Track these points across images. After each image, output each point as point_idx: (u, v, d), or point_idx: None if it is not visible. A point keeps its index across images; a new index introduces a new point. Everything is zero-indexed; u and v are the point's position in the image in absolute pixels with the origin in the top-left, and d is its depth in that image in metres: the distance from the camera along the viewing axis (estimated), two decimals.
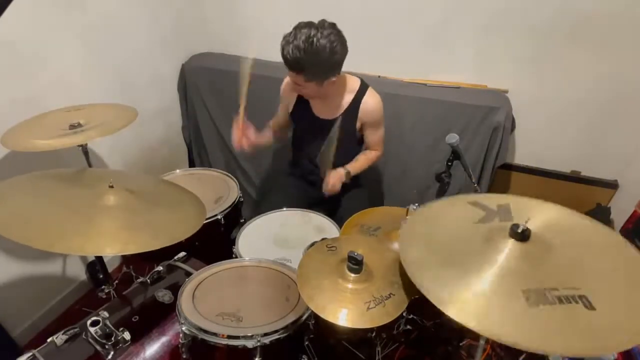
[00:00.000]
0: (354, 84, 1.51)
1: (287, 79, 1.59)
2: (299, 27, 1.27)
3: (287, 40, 1.27)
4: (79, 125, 1.31)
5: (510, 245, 0.80)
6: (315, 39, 1.23)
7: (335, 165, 1.65)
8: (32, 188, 1.08)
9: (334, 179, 1.47)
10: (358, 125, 1.53)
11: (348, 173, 1.53)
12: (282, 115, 1.68)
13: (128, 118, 1.37)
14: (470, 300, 0.73)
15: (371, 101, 1.49)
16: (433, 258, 0.84)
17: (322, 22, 1.27)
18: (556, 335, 0.67)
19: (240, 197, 1.63)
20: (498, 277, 0.76)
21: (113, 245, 0.93)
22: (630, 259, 0.80)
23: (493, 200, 0.96)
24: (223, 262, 1.25)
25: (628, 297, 0.74)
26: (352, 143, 1.62)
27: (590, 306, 0.70)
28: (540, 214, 0.87)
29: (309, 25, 1.26)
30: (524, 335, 0.67)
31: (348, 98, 1.50)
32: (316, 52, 1.24)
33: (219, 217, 1.49)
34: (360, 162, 1.60)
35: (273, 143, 1.73)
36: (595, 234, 0.87)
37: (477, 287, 0.75)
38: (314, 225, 1.51)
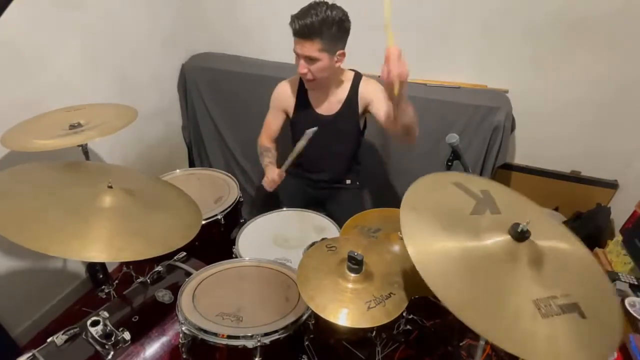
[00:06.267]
0: (349, 76, 1.53)
1: (281, 85, 1.60)
2: (305, 6, 1.31)
3: (298, 14, 1.30)
4: (79, 125, 1.31)
5: (507, 243, 0.79)
6: (325, 6, 1.29)
7: (337, 163, 1.65)
8: (32, 180, 1.07)
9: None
10: (360, 110, 1.52)
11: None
12: (274, 125, 1.65)
13: (128, 118, 1.37)
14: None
15: (369, 84, 1.51)
16: (429, 218, 0.84)
17: (325, 1, 1.32)
18: (564, 349, 0.67)
19: (240, 197, 1.63)
20: (500, 276, 0.76)
21: (108, 251, 0.92)
22: (597, 273, 0.83)
23: (474, 182, 0.96)
24: (223, 262, 1.25)
25: (600, 304, 0.75)
26: (354, 138, 1.62)
27: (583, 315, 0.70)
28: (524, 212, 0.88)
29: (314, 2, 1.31)
30: (538, 348, 0.66)
31: (345, 90, 1.52)
32: (330, 17, 1.29)
33: (219, 217, 1.49)
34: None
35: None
36: (568, 244, 0.88)
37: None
38: (314, 225, 1.51)
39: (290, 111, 1.60)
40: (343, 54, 1.39)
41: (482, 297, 0.72)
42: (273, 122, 1.64)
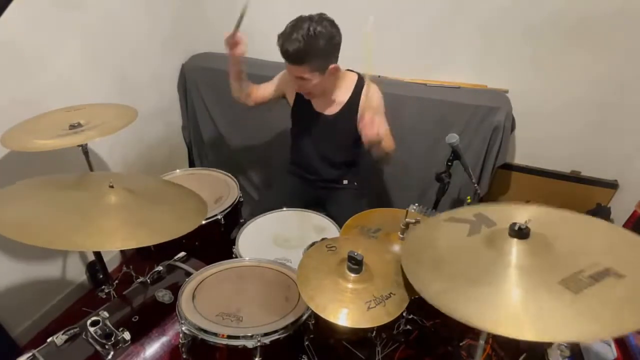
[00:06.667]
0: (352, 78, 1.53)
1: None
2: (291, 24, 1.30)
3: (284, 37, 1.29)
4: (79, 125, 1.31)
5: (515, 245, 0.81)
6: (312, 28, 1.27)
7: (333, 163, 1.65)
8: (33, 193, 1.08)
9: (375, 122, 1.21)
10: (359, 117, 1.52)
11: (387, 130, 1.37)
12: (265, 91, 1.63)
13: (128, 118, 1.37)
14: (519, 311, 0.71)
15: (373, 95, 1.50)
16: (454, 283, 0.82)
17: (310, 15, 1.30)
18: (611, 313, 0.67)
19: (240, 197, 1.63)
20: (522, 277, 0.76)
21: (113, 240, 0.93)
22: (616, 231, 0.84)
23: (464, 212, 0.98)
24: (223, 262, 1.25)
25: (634, 257, 0.75)
26: (353, 140, 1.59)
27: (619, 274, 0.71)
28: (519, 214, 0.89)
29: (299, 19, 1.30)
30: (584, 325, 0.66)
31: (348, 92, 1.51)
32: (316, 39, 1.27)
33: (219, 217, 1.49)
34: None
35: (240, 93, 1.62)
36: (576, 221, 0.90)
37: (512, 295, 0.74)
38: (314, 225, 1.51)
39: (290, 99, 1.61)
40: (336, 68, 1.39)
41: (518, 306, 0.72)
42: (267, 88, 1.63)
